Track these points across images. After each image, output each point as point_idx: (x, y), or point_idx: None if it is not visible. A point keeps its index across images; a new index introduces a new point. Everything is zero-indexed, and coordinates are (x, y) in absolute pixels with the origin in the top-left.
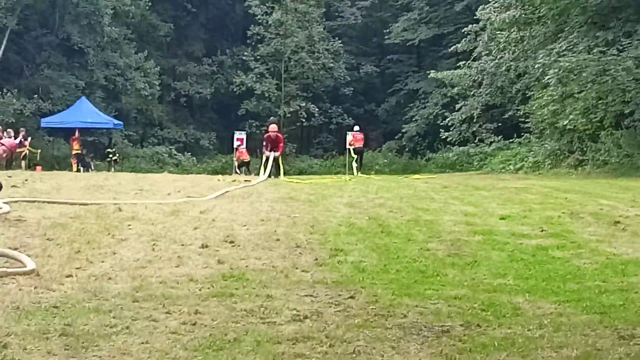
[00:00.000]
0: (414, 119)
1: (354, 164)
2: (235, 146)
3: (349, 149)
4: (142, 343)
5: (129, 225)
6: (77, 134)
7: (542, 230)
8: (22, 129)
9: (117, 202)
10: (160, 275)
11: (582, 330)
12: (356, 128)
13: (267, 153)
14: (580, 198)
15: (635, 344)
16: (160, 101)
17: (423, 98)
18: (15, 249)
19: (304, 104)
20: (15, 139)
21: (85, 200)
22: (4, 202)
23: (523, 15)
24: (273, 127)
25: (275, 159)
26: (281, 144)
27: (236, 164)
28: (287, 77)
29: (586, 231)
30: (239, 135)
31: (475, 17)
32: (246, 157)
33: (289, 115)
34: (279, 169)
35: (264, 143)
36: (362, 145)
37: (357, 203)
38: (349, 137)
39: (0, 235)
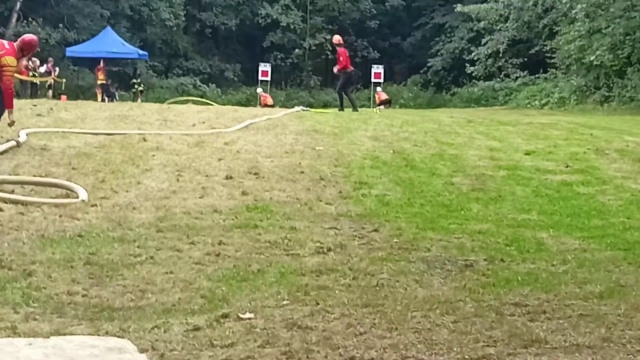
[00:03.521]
0: (439, 53)
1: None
2: (258, 92)
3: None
4: (166, 273)
5: (154, 155)
6: (102, 63)
7: (567, 166)
8: (50, 58)
9: (141, 132)
10: (185, 205)
11: (605, 267)
12: (379, 89)
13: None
14: (605, 134)
15: None
16: (185, 32)
17: (449, 32)
18: (40, 177)
19: (329, 37)
20: (40, 67)
21: (110, 130)
22: (27, 133)
23: None
24: (336, 38)
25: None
26: (340, 59)
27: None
28: (312, 9)
29: (611, 167)
30: (264, 67)
31: None
32: (270, 102)
33: (314, 48)
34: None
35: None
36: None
37: (381, 136)
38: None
39: (25, 163)
